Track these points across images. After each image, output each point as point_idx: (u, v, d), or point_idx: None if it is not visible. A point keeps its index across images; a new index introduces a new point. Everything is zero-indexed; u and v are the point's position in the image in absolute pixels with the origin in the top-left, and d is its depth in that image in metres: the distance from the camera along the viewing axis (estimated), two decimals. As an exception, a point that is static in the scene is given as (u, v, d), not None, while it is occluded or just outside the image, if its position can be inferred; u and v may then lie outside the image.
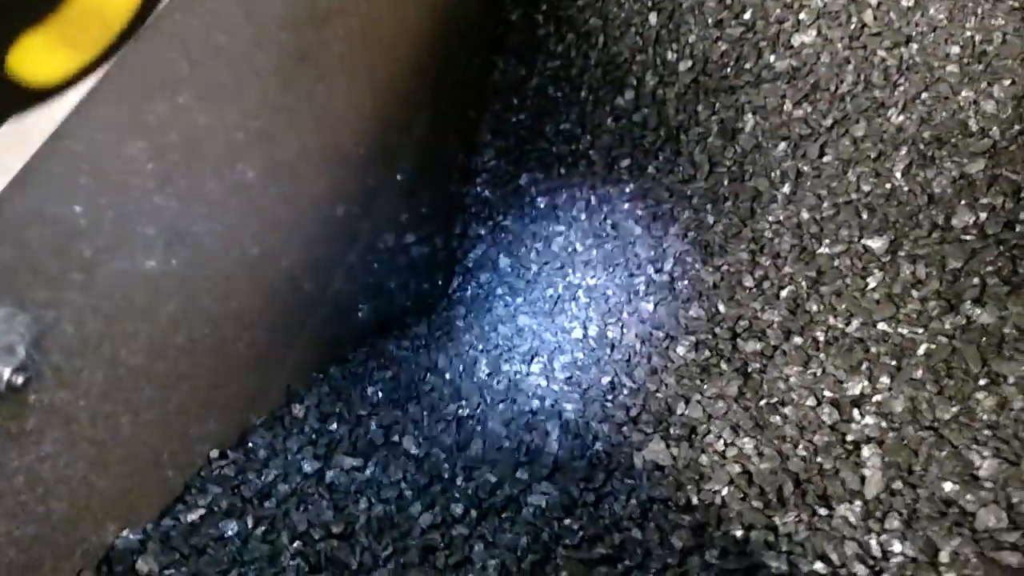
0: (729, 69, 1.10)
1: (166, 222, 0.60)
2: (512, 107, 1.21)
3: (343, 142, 0.86)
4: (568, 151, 1.17)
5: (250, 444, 0.79)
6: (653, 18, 1.15)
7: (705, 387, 0.82)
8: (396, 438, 0.84)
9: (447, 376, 0.95)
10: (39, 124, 0.47)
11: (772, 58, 1.07)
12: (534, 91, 1.20)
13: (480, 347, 1.00)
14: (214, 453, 0.76)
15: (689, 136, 1.09)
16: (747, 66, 1.09)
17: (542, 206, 1.17)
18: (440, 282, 1.21)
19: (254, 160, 0.69)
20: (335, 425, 0.85)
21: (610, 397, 0.86)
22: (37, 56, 0.19)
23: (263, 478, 0.76)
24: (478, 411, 0.89)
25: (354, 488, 0.77)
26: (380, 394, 0.91)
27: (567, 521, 0.71)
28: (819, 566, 0.60)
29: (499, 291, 1.12)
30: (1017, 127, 0.85)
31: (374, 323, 1.06)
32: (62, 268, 0.52)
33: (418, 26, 1.01)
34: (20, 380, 0.48)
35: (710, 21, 1.13)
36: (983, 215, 0.81)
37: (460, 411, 0.89)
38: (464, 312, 1.13)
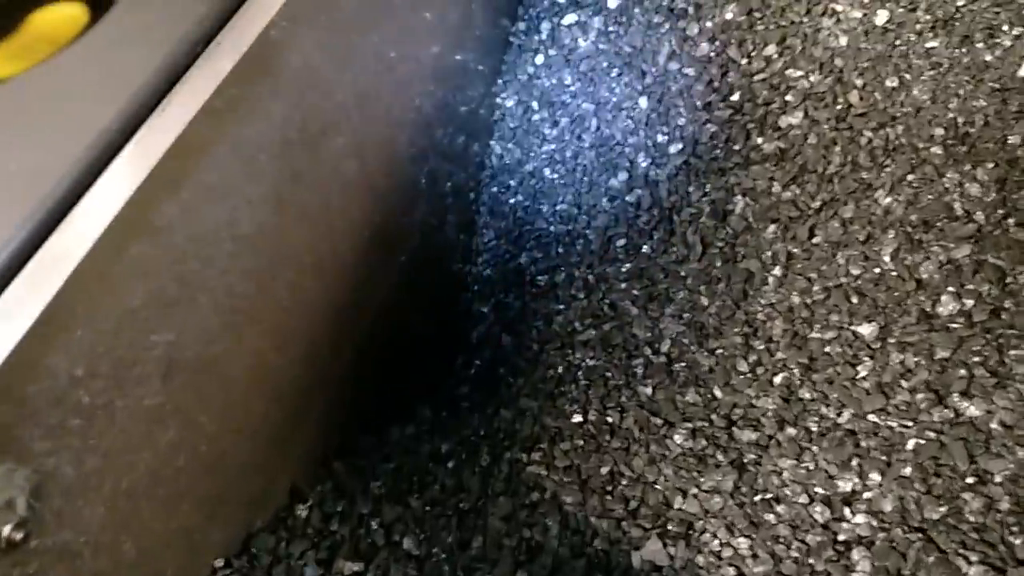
0: (718, 151, 1.12)
1: (163, 356, 0.62)
2: (509, 189, 1.24)
3: (338, 246, 0.88)
4: (565, 231, 1.19)
5: (253, 550, 0.81)
6: (643, 102, 1.18)
7: (702, 479, 0.83)
8: (397, 538, 0.85)
9: (450, 465, 0.97)
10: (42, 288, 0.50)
11: (760, 140, 1.10)
12: (530, 174, 1.23)
13: (483, 432, 1.02)
14: (219, 563, 0.77)
15: (682, 216, 1.11)
16: (736, 147, 1.11)
17: (542, 284, 1.19)
18: (445, 361, 1.23)
19: (248, 284, 0.71)
20: (336, 526, 0.86)
21: (609, 490, 0.87)
22: None
23: (266, 586, 0.77)
24: (479, 504, 0.90)
25: (356, 594, 0.78)
26: (383, 488, 0.92)
27: (567, 625, 0.72)
28: None
29: (501, 371, 1.14)
30: (1001, 211, 0.87)
31: (380, 407, 1.08)
32: (61, 417, 0.54)
33: (414, 120, 1.04)
34: (20, 536, 0.50)
35: (698, 104, 1.15)
36: (969, 302, 0.82)
37: (462, 504, 0.90)
38: (468, 391, 1.15)
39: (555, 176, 1.22)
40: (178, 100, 0.59)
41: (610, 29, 1.23)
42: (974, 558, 0.63)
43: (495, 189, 1.25)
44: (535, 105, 1.25)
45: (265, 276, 0.75)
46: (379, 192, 0.96)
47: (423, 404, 1.12)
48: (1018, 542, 0.63)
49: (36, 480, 0.53)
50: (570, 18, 1.25)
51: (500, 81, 1.26)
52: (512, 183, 1.24)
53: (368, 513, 0.88)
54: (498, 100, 1.26)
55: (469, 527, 0.87)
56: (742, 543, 0.73)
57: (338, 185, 0.84)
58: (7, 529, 0.50)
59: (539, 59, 1.25)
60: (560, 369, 1.08)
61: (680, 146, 1.15)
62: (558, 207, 1.21)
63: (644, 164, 1.16)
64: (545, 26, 1.25)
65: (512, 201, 1.24)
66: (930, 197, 0.93)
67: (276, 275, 0.77)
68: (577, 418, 1.00)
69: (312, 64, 0.73)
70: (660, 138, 1.16)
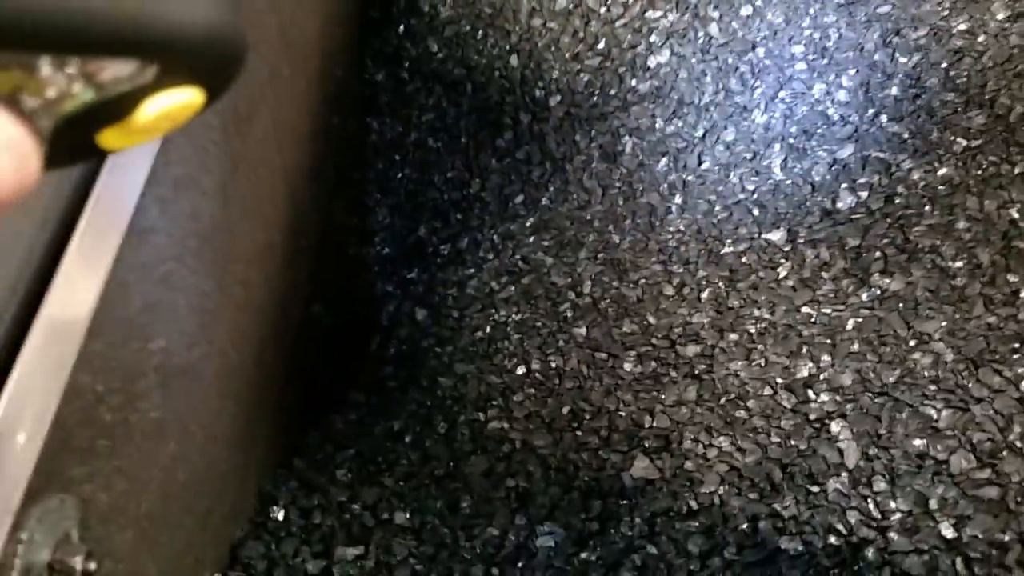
0: (596, 97, 1.17)
1: (160, 365, 0.60)
2: (396, 164, 1.23)
3: (272, 237, 0.85)
4: (460, 196, 1.20)
5: (246, 559, 0.78)
6: (514, 60, 1.21)
7: (663, 396, 0.88)
8: (386, 515, 0.84)
9: (408, 440, 0.96)
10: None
11: (634, 82, 1.16)
12: (414, 145, 1.23)
13: (428, 403, 1.02)
14: (218, 578, 0.74)
15: (574, 165, 1.15)
16: (612, 92, 1.17)
17: (446, 253, 1.20)
18: (360, 347, 1.21)
19: (210, 281, 0.68)
20: (320, 518, 0.84)
21: (576, 426, 0.90)
22: (112, 141, 0.28)
23: (272, 590, 0.74)
24: (452, 468, 0.91)
25: None
26: (351, 475, 0.90)
27: (583, 554, 0.75)
28: (832, 539, 0.67)
29: (424, 344, 1.14)
30: (871, 110, 0.97)
31: (316, 401, 1.05)
32: (91, 438, 0.51)
33: (305, 94, 1.01)
34: (93, 566, 0.47)
35: (568, 56, 1.20)
36: (864, 194, 0.92)
37: (436, 472, 0.90)
38: (394, 370, 1.14)
39: (439, 144, 1.22)
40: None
41: (468, -7, 1.24)
42: (939, 405, 0.71)
43: (380, 165, 1.24)
44: (406, 76, 1.24)
45: (221, 271, 0.72)
46: (289, 178, 0.94)
47: (354, 391, 1.10)
48: (971, 384, 0.72)
49: (82, 509, 0.50)
50: (426, -14, 1.25)
51: (366, 57, 1.24)
52: (397, 157, 1.24)
53: (347, 500, 0.86)
54: (366, 76, 1.24)
55: (453, 491, 0.87)
56: (723, 441, 0.78)
57: (266, 172, 0.82)
58: (79, 561, 0.47)
59: (401, 29, 1.24)
60: (488, 329, 1.09)
61: (559, 98, 1.18)
62: (449, 174, 1.22)
63: (527, 120, 1.19)
64: (402, -3, 1.25)
65: (400, 175, 1.23)
66: (804, 109, 1.02)
67: (229, 270, 0.74)
68: (521, 370, 1.02)
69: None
70: (538, 93, 1.19)
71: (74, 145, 0.28)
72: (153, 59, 0.27)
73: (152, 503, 0.59)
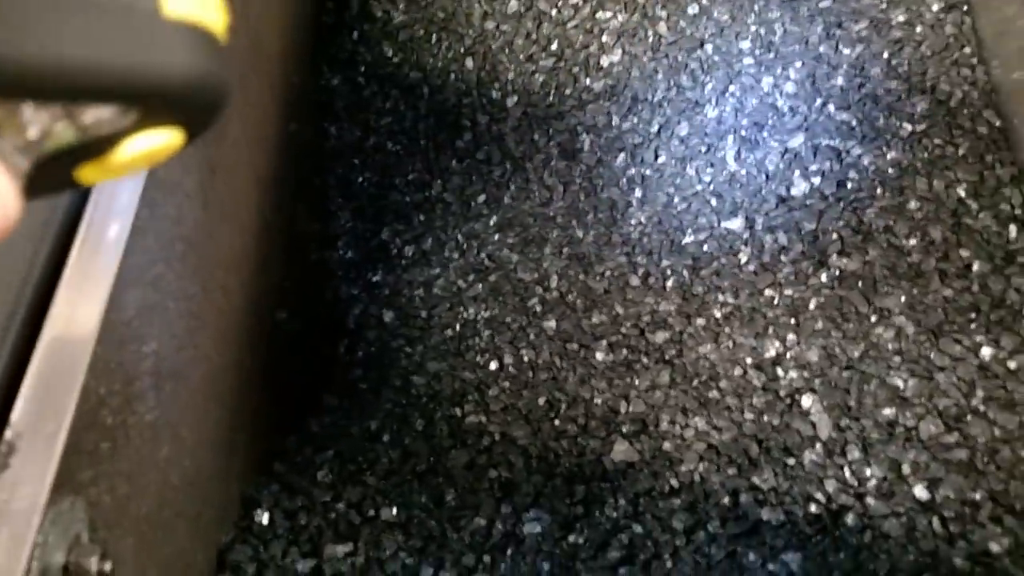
0: (552, 97, 1.20)
1: (152, 368, 0.60)
2: (356, 168, 1.24)
3: (247, 241, 0.86)
4: (422, 198, 1.22)
5: (234, 563, 0.78)
6: (469, 62, 1.23)
7: (637, 382, 0.90)
8: (372, 512, 0.85)
9: (386, 439, 0.97)
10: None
11: (588, 81, 1.19)
12: (373, 149, 1.24)
13: (404, 402, 1.03)
14: (209, 582, 0.74)
15: (534, 163, 1.18)
16: (567, 91, 1.19)
17: (410, 255, 1.21)
18: (327, 353, 1.22)
19: (194, 285, 0.69)
20: (305, 519, 0.85)
21: (553, 416, 0.93)
22: (89, 176, 0.29)
23: (265, 593, 0.75)
24: (433, 463, 0.92)
25: (357, 574, 0.78)
26: (332, 476, 0.91)
27: (571, 538, 0.77)
28: (812, 507, 0.70)
29: (394, 345, 1.15)
30: (819, 100, 1.01)
31: (290, 406, 1.06)
32: (95, 440, 0.51)
33: (269, 108, 1.01)
34: (108, 567, 0.48)
35: (522, 57, 1.22)
36: (817, 180, 0.96)
37: (417, 468, 0.91)
38: (364, 374, 1.15)
39: (399, 147, 1.23)
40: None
41: (420, -2, 1.26)
42: (904, 376, 0.75)
43: (340, 170, 1.24)
44: (362, 81, 1.25)
45: (204, 276, 0.72)
46: (261, 185, 0.94)
47: (327, 394, 1.10)
48: (933, 354, 0.76)
49: (90, 512, 0.50)
50: (379, -8, 1.26)
51: (321, 63, 1.25)
52: (356, 161, 1.24)
53: (330, 500, 0.87)
54: (322, 82, 1.25)
55: (436, 485, 0.88)
56: (698, 421, 0.81)
57: (240, 178, 0.82)
58: (94, 562, 0.47)
59: (355, 35, 1.25)
60: (458, 327, 1.10)
61: (515, 98, 1.21)
62: (409, 177, 1.23)
63: (484, 121, 1.21)
64: (354, 1, 1.26)
65: (361, 179, 1.24)
66: (754, 101, 1.06)
67: (212, 275, 0.74)
68: (494, 365, 1.04)
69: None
70: (495, 94, 1.22)
71: (51, 179, 0.29)
72: (136, 105, 0.27)
73: (150, 507, 0.60)
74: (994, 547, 0.64)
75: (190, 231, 0.67)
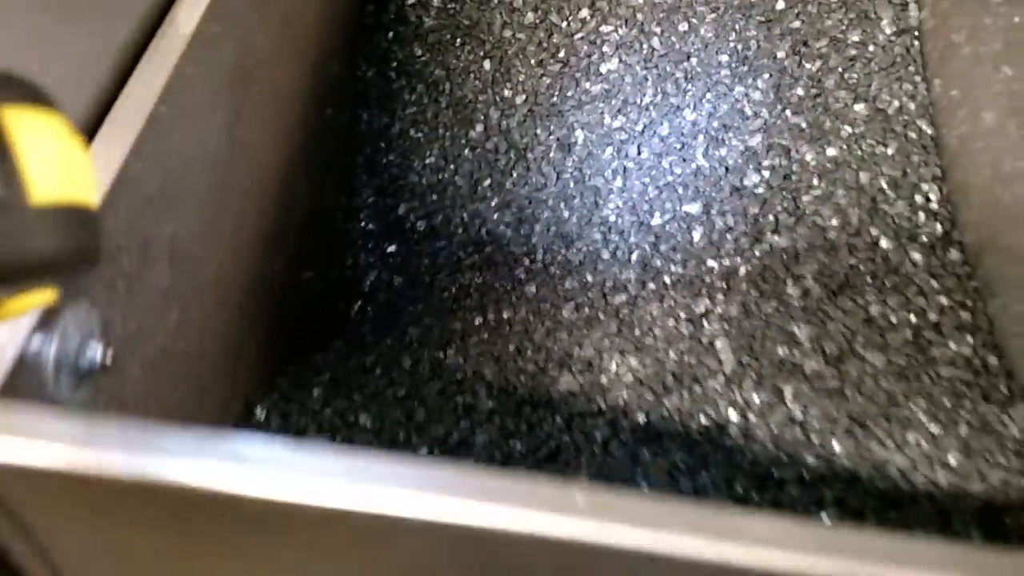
0: (555, 97, 1.36)
1: (169, 243, 0.76)
2: (381, 150, 1.41)
3: (266, 190, 1.03)
4: (436, 180, 1.38)
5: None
6: (487, 64, 1.40)
7: (593, 333, 1.04)
8: (352, 419, 1.00)
9: (378, 372, 1.12)
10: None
11: (587, 84, 1.34)
12: (398, 135, 1.41)
13: (397, 346, 1.18)
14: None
15: (535, 154, 1.33)
16: (569, 93, 1.35)
17: (422, 229, 1.37)
18: (341, 309, 1.38)
19: (218, 195, 0.85)
20: (295, 418, 1.00)
21: (519, 358, 1.07)
22: None
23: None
24: (412, 391, 1.07)
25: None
26: (326, 392, 1.07)
27: (511, 442, 0.91)
28: (703, 419, 0.83)
29: (399, 304, 1.31)
30: (780, 107, 1.15)
31: (299, 345, 1.22)
32: (112, 274, 0.66)
33: (301, 81, 1.19)
34: (111, 358, 0.62)
35: (533, 62, 1.38)
36: (766, 173, 1.09)
37: (398, 394, 1.06)
38: (372, 328, 1.31)
39: (420, 135, 1.40)
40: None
41: (449, 6, 1.44)
42: (802, 325, 0.88)
43: (368, 152, 1.42)
44: (393, 75, 1.43)
45: (223, 194, 0.89)
46: (282, 152, 1.11)
47: (335, 340, 1.26)
48: (829, 308, 0.89)
49: (102, 326, 0.65)
50: None
51: (359, 57, 1.43)
52: (382, 145, 1.42)
53: (319, 408, 1.02)
54: (358, 74, 1.43)
55: (410, 406, 1.03)
56: (632, 361, 0.95)
57: (263, 137, 0.99)
58: (99, 352, 0.61)
59: (390, 35, 1.44)
60: (454, 290, 1.26)
61: (524, 97, 1.37)
62: (427, 161, 1.40)
63: (496, 116, 1.38)
64: (392, 6, 1.45)
65: (385, 161, 1.41)
66: (725, 107, 1.20)
67: (230, 197, 0.91)
68: (478, 320, 1.18)
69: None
70: (507, 93, 1.38)
71: None
72: (11, 285, 0.31)
73: (155, 357, 0.74)
74: (838, 448, 0.76)
75: (214, 150, 0.83)
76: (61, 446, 0.45)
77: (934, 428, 0.75)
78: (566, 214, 1.25)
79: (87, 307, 0.61)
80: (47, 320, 0.55)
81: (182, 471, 0.45)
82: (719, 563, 0.41)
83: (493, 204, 1.33)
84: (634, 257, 1.13)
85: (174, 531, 0.52)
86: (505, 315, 1.17)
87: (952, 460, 0.74)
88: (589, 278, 1.14)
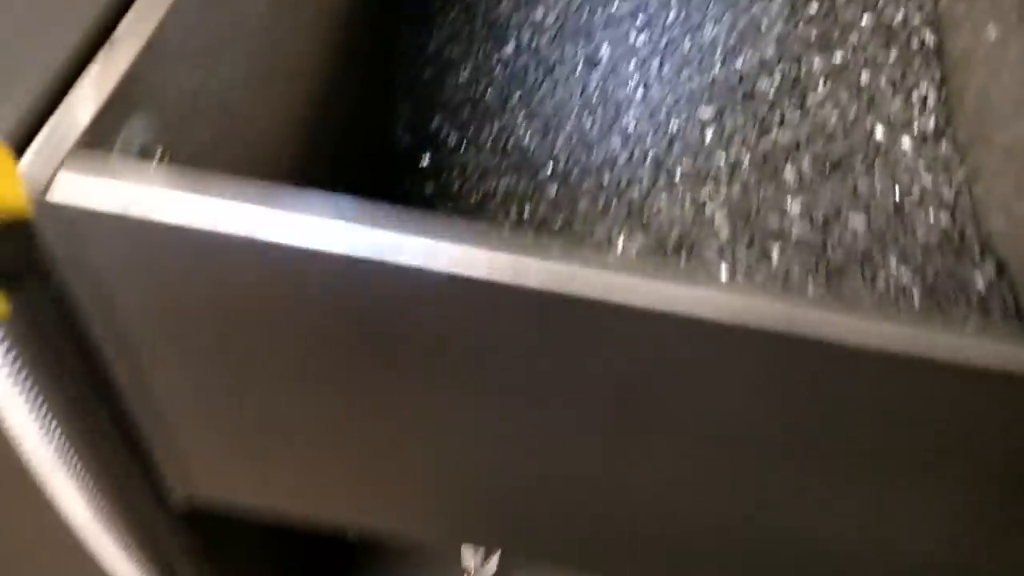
0: (583, 18, 1.43)
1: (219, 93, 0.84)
2: (419, 65, 1.50)
3: (305, 87, 1.12)
4: (469, 95, 1.46)
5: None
6: (526, -13, 1.48)
7: (607, 220, 1.12)
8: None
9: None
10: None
11: (615, 6, 1.42)
12: (435, 52, 1.50)
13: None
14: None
15: (563, 70, 1.41)
16: (597, 14, 1.42)
17: (454, 141, 1.46)
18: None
19: (265, 51, 0.94)
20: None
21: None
22: None
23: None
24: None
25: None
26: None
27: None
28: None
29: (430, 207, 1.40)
30: (795, 20, 1.21)
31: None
32: (160, 124, 0.74)
33: (346, 8, 1.28)
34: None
35: (563, -10, 1.47)
36: (778, 77, 1.16)
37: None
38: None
39: (453, 53, 1.49)
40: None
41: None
42: (795, 204, 0.95)
43: (406, 69, 1.51)
44: (432, -3, 1.52)
45: (269, 66, 0.98)
46: (323, 54, 1.20)
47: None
48: (818, 187, 0.96)
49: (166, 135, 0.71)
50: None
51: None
52: (419, 62, 1.50)
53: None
54: (400, -4, 1.52)
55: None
56: (639, 236, 1.03)
57: (310, 23, 1.08)
58: (138, 144, 0.68)
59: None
60: (480, 194, 1.35)
61: (554, 18, 1.45)
62: (460, 78, 1.48)
63: (527, 35, 1.46)
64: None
65: (422, 77, 1.50)
66: (743, 22, 1.27)
67: (276, 72, 1.00)
68: (500, 216, 1.27)
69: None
70: (538, 14, 1.46)
71: None
72: None
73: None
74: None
75: (256, 27, 0.93)
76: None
77: (904, 273, 0.82)
78: (588, 124, 1.33)
79: (146, 117, 0.70)
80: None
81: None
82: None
83: (520, 117, 1.41)
84: (649, 157, 1.20)
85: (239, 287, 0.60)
86: (527, 213, 1.25)
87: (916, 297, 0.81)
88: (606, 178, 1.22)
